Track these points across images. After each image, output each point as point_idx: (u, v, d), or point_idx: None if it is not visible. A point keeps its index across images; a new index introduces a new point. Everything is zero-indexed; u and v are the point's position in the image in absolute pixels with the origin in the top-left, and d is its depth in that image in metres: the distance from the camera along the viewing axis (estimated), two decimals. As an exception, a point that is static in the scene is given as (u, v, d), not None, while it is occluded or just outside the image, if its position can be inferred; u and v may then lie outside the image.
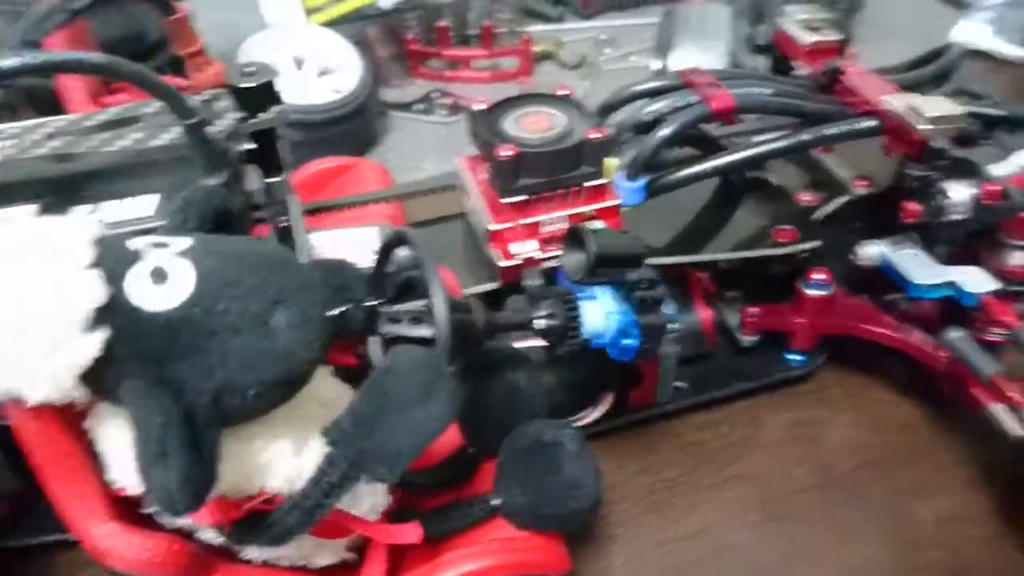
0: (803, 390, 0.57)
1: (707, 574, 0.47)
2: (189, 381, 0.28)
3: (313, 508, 0.31)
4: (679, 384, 0.54)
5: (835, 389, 0.57)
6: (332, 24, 0.93)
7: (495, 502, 0.40)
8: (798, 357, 0.55)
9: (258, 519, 0.32)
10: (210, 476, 0.27)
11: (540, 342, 0.42)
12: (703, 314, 0.54)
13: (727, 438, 0.54)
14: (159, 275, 0.27)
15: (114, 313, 0.27)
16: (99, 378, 0.27)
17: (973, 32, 0.91)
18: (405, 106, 0.90)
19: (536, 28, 1.02)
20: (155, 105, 0.43)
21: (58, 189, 0.38)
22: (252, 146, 0.43)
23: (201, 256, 0.29)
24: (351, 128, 0.80)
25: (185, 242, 0.29)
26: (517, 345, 0.43)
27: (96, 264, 0.27)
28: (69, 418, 0.30)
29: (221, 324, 0.28)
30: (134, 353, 0.27)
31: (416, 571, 0.39)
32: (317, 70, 0.85)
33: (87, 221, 0.28)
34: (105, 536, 0.29)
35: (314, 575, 0.37)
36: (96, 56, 0.32)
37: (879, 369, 0.57)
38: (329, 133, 0.78)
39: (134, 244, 0.28)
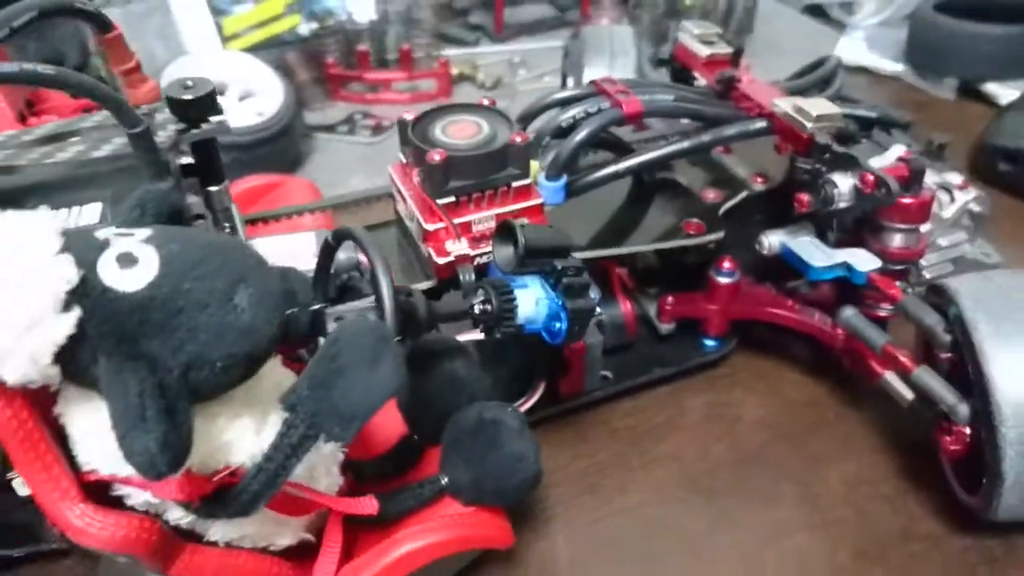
0: (718, 374, 0.62)
1: (641, 544, 0.50)
2: (160, 356, 0.30)
3: (276, 471, 0.33)
4: (605, 373, 0.58)
5: (747, 372, 0.62)
6: (251, 50, 0.95)
7: (443, 482, 0.43)
8: (712, 342, 0.60)
9: (225, 492, 0.33)
10: (186, 442, 0.29)
11: (479, 335, 0.45)
12: (624, 306, 0.58)
13: (652, 422, 0.58)
14: (127, 259, 0.29)
15: (86, 295, 0.29)
16: (73, 357, 0.29)
17: (852, 49, 1.00)
18: (329, 128, 0.93)
19: (452, 52, 1.06)
20: (92, 120, 0.44)
21: (2, 201, 0.39)
22: (189, 160, 0.45)
23: (164, 242, 0.31)
24: (276, 149, 0.82)
25: (146, 231, 0.31)
26: (459, 338, 0.46)
27: (66, 249, 0.28)
28: (39, 405, 0.31)
29: (188, 301, 0.30)
30: (109, 332, 0.29)
31: (371, 550, 0.41)
32: (238, 94, 0.87)
33: (51, 214, 0.30)
34: (79, 516, 0.31)
35: (274, 557, 0.39)
36: (49, 68, 0.34)
37: (786, 352, 0.62)
38: (255, 154, 0.80)
39: (101, 234, 0.30)
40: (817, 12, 1.11)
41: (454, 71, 1.00)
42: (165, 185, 0.36)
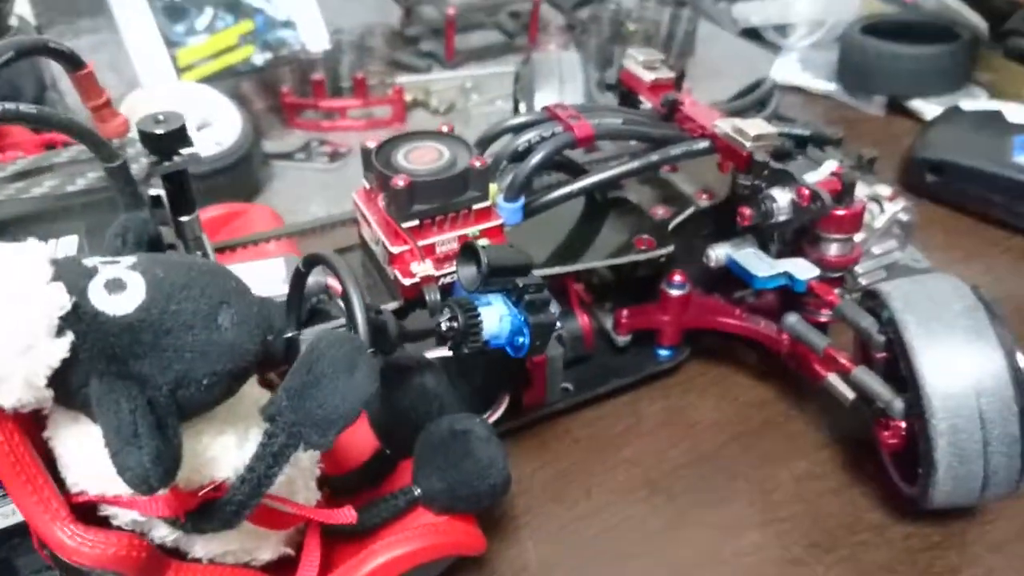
0: (673, 382, 0.64)
1: (606, 545, 0.53)
2: (150, 376, 0.31)
3: (259, 480, 0.34)
4: (566, 385, 0.60)
5: (700, 378, 0.65)
6: (206, 81, 0.96)
7: (416, 492, 0.45)
8: (666, 352, 0.63)
9: (210, 506, 0.35)
10: (177, 456, 0.30)
11: (446, 353, 0.47)
12: (582, 320, 0.60)
13: (611, 430, 0.61)
14: (115, 285, 0.31)
15: (79, 320, 0.30)
16: (66, 380, 0.30)
17: (786, 70, 1.05)
18: (286, 155, 0.94)
19: (405, 79, 1.08)
20: (64, 155, 0.46)
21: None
22: (159, 192, 0.47)
23: (149, 267, 0.32)
24: (235, 177, 0.83)
25: (131, 259, 0.33)
26: (429, 355, 0.48)
27: (57, 278, 0.30)
28: (29, 430, 0.32)
29: (175, 323, 0.32)
30: (100, 354, 0.30)
31: (349, 561, 0.43)
32: (196, 124, 0.88)
33: (40, 245, 0.31)
34: (72, 536, 0.32)
35: (256, 571, 0.40)
36: (31, 107, 0.35)
37: (735, 359, 0.66)
38: (214, 184, 0.80)
39: (88, 262, 0.32)
40: (753, 35, 1.16)
41: (408, 97, 1.03)
42: (143, 214, 0.37)
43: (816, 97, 1.02)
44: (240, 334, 0.33)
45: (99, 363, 0.31)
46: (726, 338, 0.63)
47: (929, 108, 0.94)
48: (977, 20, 0.96)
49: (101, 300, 0.31)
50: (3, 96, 0.74)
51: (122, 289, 0.31)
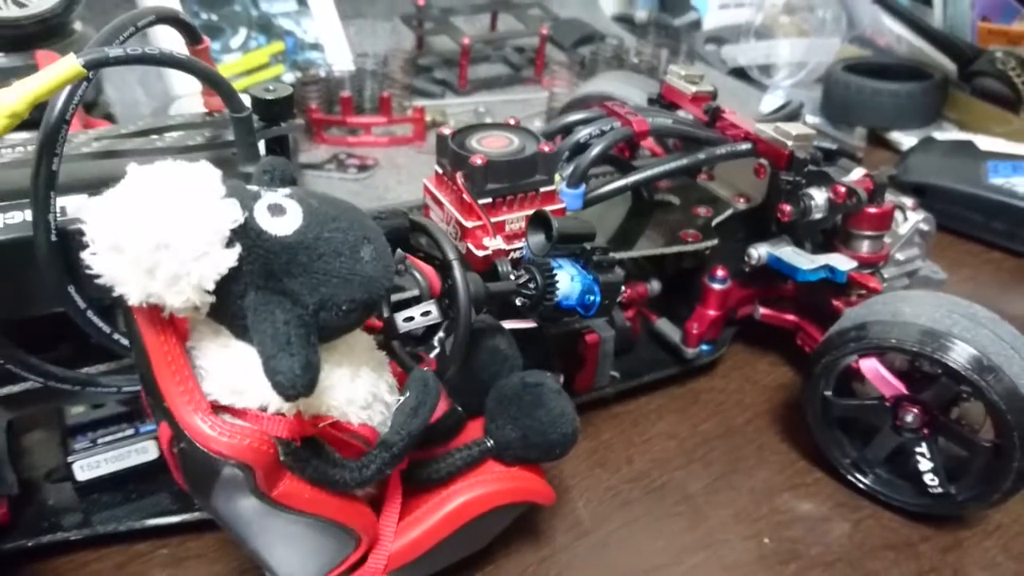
0: (699, 366, 0.66)
1: (650, 505, 0.54)
2: (300, 294, 0.32)
3: (359, 483, 0.37)
4: (613, 373, 0.62)
5: (723, 364, 0.67)
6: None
7: (489, 443, 0.46)
8: (707, 347, 0.64)
9: (318, 445, 0.36)
10: (318, 368, 0.32)
11: (524, 324, 0.49)
12: (628, 312, 0.62)
13: (647, 407, 0.63)
14: (277, 209, 0.32)
15: (246, 235, 0.31)
16: (228, 289, 0.31)
17: (773, 105, 1.10)
18: (316, 166, 0.95)
19: (422, 103, 1.10)
20: (179, 118, 0.47)
21: (104, 183, 0.41)
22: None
23: (304, 198, 0.34)
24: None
25: (287, 189, 0.34)
26: (507, 326, 0.49)
27: (230, 195, 0.31)
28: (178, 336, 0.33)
29: (327, 249, 0.33)
30: (260, 268, 0.32)
31: (431, 502, 0.44)
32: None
33: (212, 167, 0.32)
34: (212, 425, 0.32)
35: (356, 500, 0.41)
36: (181, 54, 0.36)
37: (754, 349, 0.69)
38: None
39: (252, 187, 0.33)
40: (740, 75, 1.22)
41: (427, 118, 1.05)
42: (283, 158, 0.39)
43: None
44: (377, 268, 0.35)
45: (258, 277, 0.32)
46: (751, 333, 0.66)
47: (906, 139, 1.00)
48: (946, 62, 1.03)
49: (265, 220, 0.32)
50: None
51: (282, 213, 0.32)
